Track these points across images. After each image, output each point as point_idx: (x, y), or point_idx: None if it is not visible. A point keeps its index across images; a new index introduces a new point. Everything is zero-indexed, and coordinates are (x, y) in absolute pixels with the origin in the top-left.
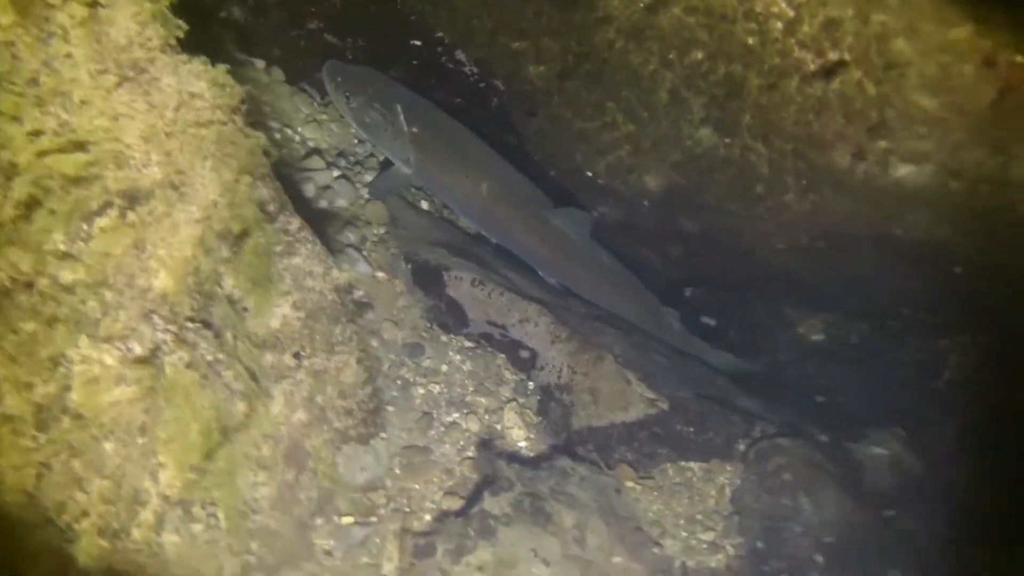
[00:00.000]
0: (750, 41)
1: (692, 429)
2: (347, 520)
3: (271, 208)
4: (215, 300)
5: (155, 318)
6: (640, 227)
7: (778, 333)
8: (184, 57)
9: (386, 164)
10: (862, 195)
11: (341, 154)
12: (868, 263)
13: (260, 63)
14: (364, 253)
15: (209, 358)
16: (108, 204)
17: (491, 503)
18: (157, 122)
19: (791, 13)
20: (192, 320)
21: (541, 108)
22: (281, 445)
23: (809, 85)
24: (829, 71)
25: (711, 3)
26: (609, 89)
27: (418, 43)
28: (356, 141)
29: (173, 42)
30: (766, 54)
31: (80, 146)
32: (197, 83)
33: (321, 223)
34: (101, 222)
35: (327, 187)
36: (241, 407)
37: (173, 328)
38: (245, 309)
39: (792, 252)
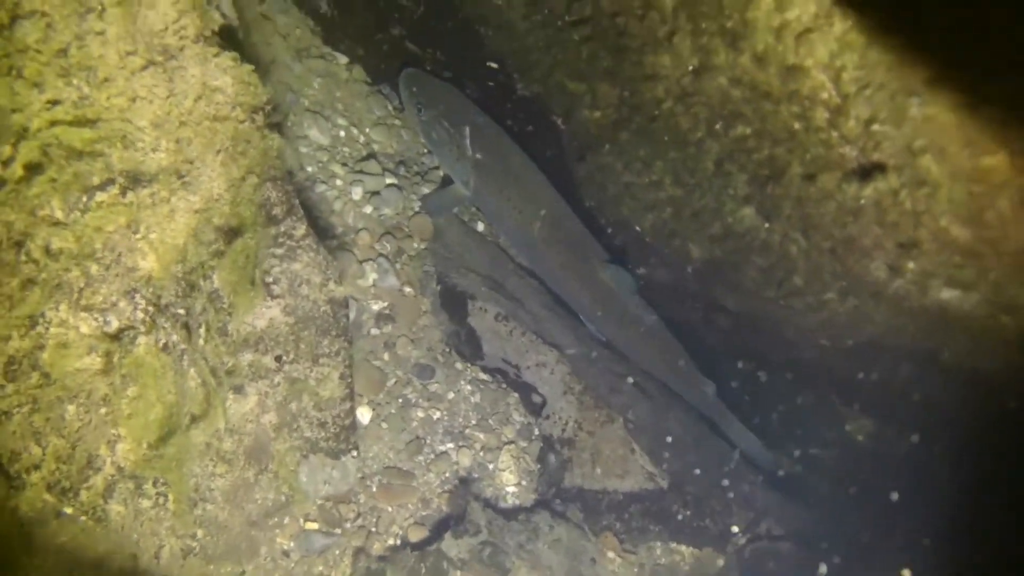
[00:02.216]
0: (795, 125)
1: (689, 512)
2: (312, 526)
3: (277, 211)
4: (197, 292)
5: (137, 298)
6: (686, 291)
7: (824, 426)
8: (214, 50)
9: (447, 181)
10: (903, 310)
11: (403, 162)
12: (918, 378)
13: (343, 59)
14: (397, 266)
15: (182, 346)
16: (110, 181)
17: (450, 544)
18: (173, 110)
19: (837, 101)
20: (172, 306)
21: (591, 154)
22: (245, 442)
23: (849, 184)
24: (868, 172)
25: (756, 79)
26: (657, 147)
27: (494, 65)
28: (425, 151)
29: (208, 33)
30: (809, 142)
31: (91, 122)
32: (222, 77)
33: (356, 228)
34: (100, 197)
35: (376, 192)
36: (200, 400)
37: (152, 310)
38: (228, 306)
39: (837, 352)
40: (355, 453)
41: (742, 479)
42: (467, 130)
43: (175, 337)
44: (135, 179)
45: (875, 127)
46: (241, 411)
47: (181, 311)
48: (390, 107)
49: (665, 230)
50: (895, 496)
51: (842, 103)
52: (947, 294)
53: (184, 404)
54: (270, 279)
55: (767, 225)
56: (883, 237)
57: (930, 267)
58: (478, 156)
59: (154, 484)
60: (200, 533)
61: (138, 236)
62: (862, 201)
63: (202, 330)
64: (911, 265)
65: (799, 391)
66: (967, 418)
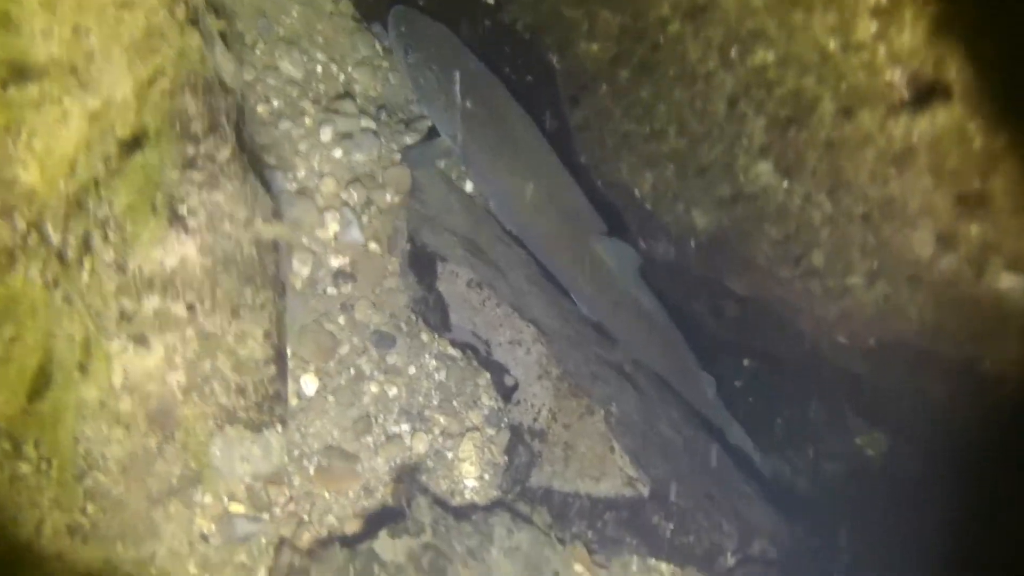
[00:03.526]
0: (830, 44)
1: (672, 526)
2: (236, 508)
3: (196, 127)
4: (87, 215)
5: (15, 217)
6: (690, 273)
7: (832, 437)
8: None
9: (434, 134)
10: (946, 301)
11: (385, 108)
12: (949, 393)
13: None
14: (364, 219)
15: (66, 281)
16: None
17: (384, 544)
18: None
19: (885, 2)
20: (57, 231)
21: (587, 96)
22: (147, 404)
23: (896, 120)
24: (924, 99)
25: None
26: (661, 86)
27: (490, 2)
28: (413, 99)
29: None
30: (847, 67)
31: None
32: None
33: (320, 173)
34: None
35: (348, 135)
36: (84, 349)
37: (33, 234)
38: (127, 237)
39: (857, 353)
40: (280, 428)
41: (735, 490)
42: (457, 76)
43: (58, 269)
44: (19, 71)
45: (945, 35)
46: (143, 367)
47: (68, 237)
48: (379, 47)
49: (667, 193)
50: None
51: (893, 6)
52: (1008, 282)
53: (70, 351)
54: (184, 209)
55: (786, 184)
56: (937, 194)
57: (995, 237)
58: (468, 106)
59: (35, 446)
60: (90, 508)
61: (19, 142)
62: (913, 138)
63: (87, 262)
64: (973, 229)
65: (809, 396)
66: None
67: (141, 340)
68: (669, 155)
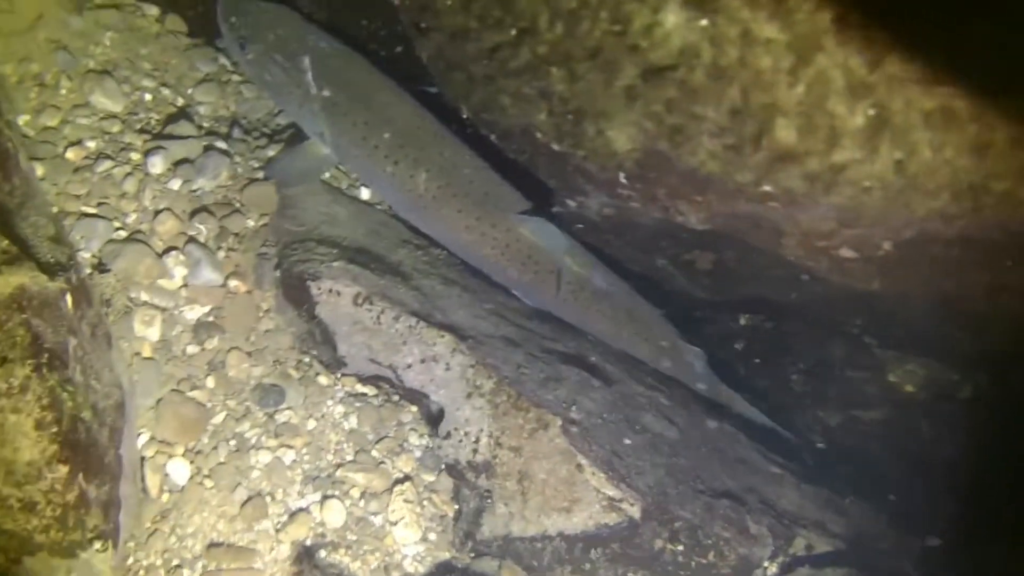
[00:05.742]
0: None
1: (681, 547)
2: None
3: None
4: None
5: None
6: (639, 226)
7: (861, 380)
8: None
9: (300, 137)
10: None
11: (238, 124)
12: (990, 291)
13: (152, 9)
14: (219, 254)
15: None
16: None
17: None
18: None
19: None
20: None
21: (432, 17)
22: None
23: None
24: None
25: None
26: None
27: None
28: (277, 110)
29: None
30: None
31: None
32: None
33: (154, 211)
34: None
35: (184, 161)
36: None
37: None
38: None
39: (870, 267)
40: (100, 544)
41: (760, 474)
42: (306, 61)
43: None
44: None
45: None
46: None
47: None
48: (225, 61)
49: (566, 114)
50: None
51: None
52: None
53: None
54: None
55: (706, 23)
56: None
57: None
58: (326, 93)
59: None
60: None
61: None
62: None
63: None
64: None
65: (823, 340)
66: None
67: None
68: (548, 56)
